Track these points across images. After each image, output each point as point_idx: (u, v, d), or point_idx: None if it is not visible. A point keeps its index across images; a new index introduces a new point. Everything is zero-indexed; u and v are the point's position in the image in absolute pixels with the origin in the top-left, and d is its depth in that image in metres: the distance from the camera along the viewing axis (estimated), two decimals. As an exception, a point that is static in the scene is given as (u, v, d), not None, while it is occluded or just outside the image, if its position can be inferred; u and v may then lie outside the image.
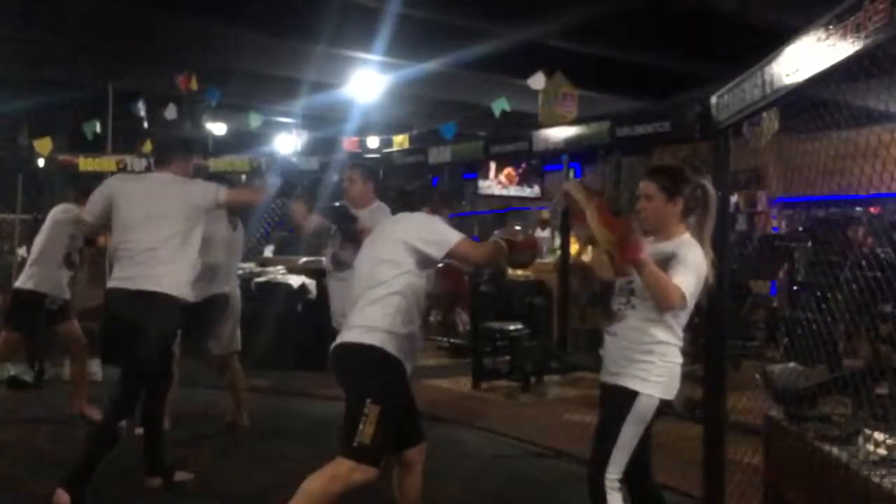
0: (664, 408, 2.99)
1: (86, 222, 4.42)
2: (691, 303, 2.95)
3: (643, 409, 2.93)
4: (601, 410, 3.11)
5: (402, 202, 3.61)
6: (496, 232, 3.44)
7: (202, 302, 5.40)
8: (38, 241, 5.82)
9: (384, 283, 3.15)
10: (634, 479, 3.03)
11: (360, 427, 2.94)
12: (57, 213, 5.80)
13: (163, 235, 4.18)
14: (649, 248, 3.05)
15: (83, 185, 5.80)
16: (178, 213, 4.26)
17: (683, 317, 3.00)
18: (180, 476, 4.43)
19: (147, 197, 4.29)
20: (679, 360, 3.00)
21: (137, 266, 4.15)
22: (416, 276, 3.18)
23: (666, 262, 2.93)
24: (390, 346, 3.10)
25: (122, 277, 4.19)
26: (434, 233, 3.23)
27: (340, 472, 2.95)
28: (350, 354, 3.14)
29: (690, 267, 2.90)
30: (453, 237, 3.22)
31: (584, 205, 3.02)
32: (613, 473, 2.93)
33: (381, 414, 2.96)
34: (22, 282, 5.77)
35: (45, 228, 5.81)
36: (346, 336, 3.17)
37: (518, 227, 3.48)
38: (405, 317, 3.15)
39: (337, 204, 4.83)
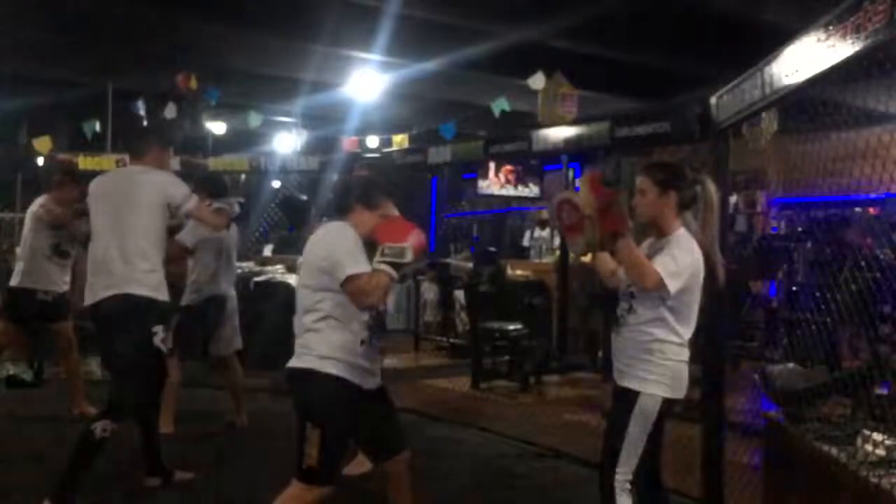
0: (669, 407, 2.98)
1: (84, 232, 4.32)
2: (689, 298, 2.95)
3: (646, 409, 2.93)
4: (610, 410, 3.12)
5: (336, 204, 3.31)
6: (378, 257, 2.95)
7: (200, 303, 5.41)
8: (22, 237, 5.82)
9: (311, 310, 3.03)
10: (644, 481, 3.03)
11: (306, 451, 2.93)
12: (32, 207, 5.73)
13: (135, 232, 3.96)
14: (647, 246, 3.06)
15: (66, 168, 5.73)
16: (151, 205, 4.00)
17: (688, 313, 2.99)
18: (180, 476, 4.42)
19: (117, 192, 4.06)
20: (683, 357, 2.99)
21: (109, 270, 3.96)
22: (343, 295, 2.97)
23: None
24: (331, 368, 2.99)
25: (97, 288, 3.99)
26: (330, 259, 2.97)
27: (295, 493, 2.98)
28: (291, 379, 3.09)
29: (678, 258, 2.89)
30: (347, 270, 2.91)
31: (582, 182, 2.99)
32: (623, 475, 2.93)
33: (322, 437, 2.93)
34: (12, 279, 5.76)
35: (26, 224, 5.78)
36: (290, 361, 3.10)
37: (405, 244, 2.94)
38: (343, 338, 3.00)
39: None
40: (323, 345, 3.00)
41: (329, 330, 3.00)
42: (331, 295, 2.98)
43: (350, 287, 2.92)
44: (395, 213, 3.29)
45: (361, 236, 3.07)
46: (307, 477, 2.95)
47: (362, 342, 3.04)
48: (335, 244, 3.01)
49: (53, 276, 5.69)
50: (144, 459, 4.34)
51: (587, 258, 3.43)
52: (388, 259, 2.93)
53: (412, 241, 2.97)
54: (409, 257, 2.95)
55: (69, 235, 5.56)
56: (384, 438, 3.22)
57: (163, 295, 4.06)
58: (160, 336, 3.99)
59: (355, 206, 3.15)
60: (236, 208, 4.55)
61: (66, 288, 5.80)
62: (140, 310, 3.96)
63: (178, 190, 4.08)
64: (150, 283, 3.98)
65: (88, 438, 3.82)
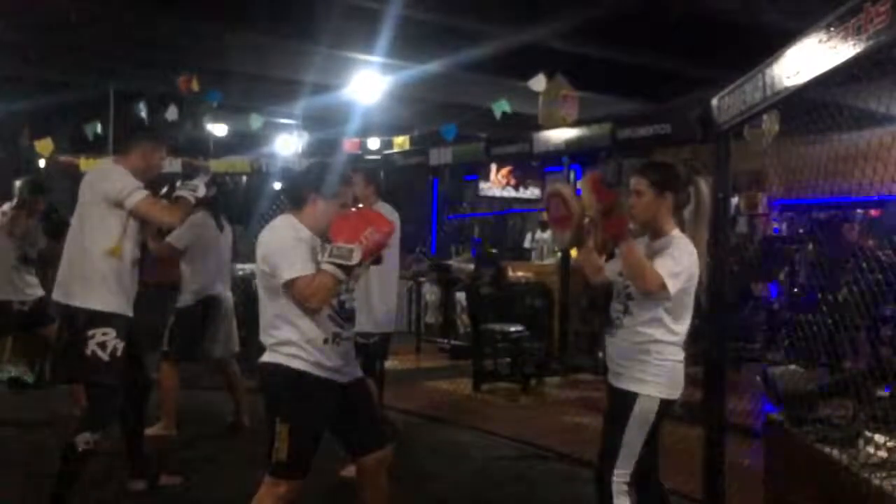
0: (666, 408, 2.98)
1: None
2: (685, 298, 2.95)
3: (644, 411, 2.93)
4: (607, 412, 3.12)
5: (290, 196, 3.15)
6: (326, 256, 2.85)
7: (196, 305, 5.40)
8: None
9: (270, 308, 2.97)
10: (642, 481, 3.03)
11: (276, 445, 2.92)
12: None
13: (80, 233, 3.81)
14: (642, 246, 3.05)
15: (33, 180, 5.72)
16: (92, 203, 3.80)
17: (684, 312, 2.99)
18: (167, 480, 4.35)
19: (80, 194, 3.90)
20: (679, 357, 2.99)
21: (63, 272, 3.88)
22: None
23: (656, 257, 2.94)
24: (295, 363, 2.94)
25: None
26: (268, 262, 2.90)
27: (268, 489, 2.98)
28: (260, 374, 3.05)
29: (677, 260, 2.90)
30: (284, 275, 2.85)
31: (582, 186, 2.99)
32: (621, 477, 2.93)
33: (291, 432, 2.90)
34: None
35: None
36: (261, 357, 3.05)
37: (353, 245, 2.82)
38: (304, 335, 2.93)
39: None
40: (286, 342, 2.95)
41: (289, 327, 2.94)
42: (283, 295, 2.92)
43: (291, 291, 2.87)
44: (365, 195, 3.06)
45: (318, 229, 2.98)
46: (278, 471, 2.95)
47: (325, 341, 2.96)
48: (272, 246, 2.94)
49: (21, 284, 5.61)
50: (129, 462, 4.26)
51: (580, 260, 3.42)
52: (334, 260, 2.83)
53: (365, 240, 2.85)
54: (356, 259, 2.83)
55: (28, 242, 5.51)
56: (358, 433, 3.13)
57: (99, 302, 3.77)
58: (97, 340, 3.74)
59: (310, 196, 3.01)
60: (201, 189, 4.05)
61: (34, 296, 5.70)
62: (72, 317, 3.82)
63: (114, 185, 3.77)
64: (85, 290, 3.78)
65: (71, 455, 3.74)
